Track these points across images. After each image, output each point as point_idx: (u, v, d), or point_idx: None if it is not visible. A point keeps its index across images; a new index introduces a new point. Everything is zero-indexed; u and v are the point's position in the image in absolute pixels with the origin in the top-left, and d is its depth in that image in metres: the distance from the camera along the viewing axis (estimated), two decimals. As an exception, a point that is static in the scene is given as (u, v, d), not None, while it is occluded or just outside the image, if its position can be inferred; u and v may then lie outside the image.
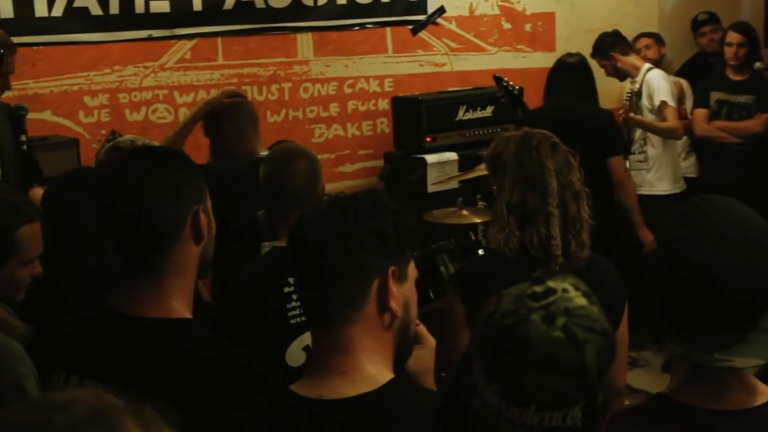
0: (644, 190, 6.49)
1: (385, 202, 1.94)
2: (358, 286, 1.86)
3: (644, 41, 7.26)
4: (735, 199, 1.92)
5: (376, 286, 1.87)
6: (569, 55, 6.22)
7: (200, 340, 2.14)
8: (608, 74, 6.64)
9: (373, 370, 1.85)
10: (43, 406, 1.16)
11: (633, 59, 6.56)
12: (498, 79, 5.60)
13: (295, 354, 2.96)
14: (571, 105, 5.86)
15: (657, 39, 7.32)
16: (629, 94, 6.45)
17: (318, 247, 1.85)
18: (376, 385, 1.83)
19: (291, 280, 2.96)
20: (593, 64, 6.34)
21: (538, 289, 1.50)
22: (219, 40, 6.21)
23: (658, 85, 6.35)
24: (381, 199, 1.94)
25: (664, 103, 6.29)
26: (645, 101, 6.41)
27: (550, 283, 1.51)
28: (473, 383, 1.47)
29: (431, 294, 4.93)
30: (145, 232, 2.14)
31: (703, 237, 1.80)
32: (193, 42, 6.13)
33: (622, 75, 6.61)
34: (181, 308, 2.16)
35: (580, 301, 1.50)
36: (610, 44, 6.50)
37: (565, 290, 1.50)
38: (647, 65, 6.51)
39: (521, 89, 5.60)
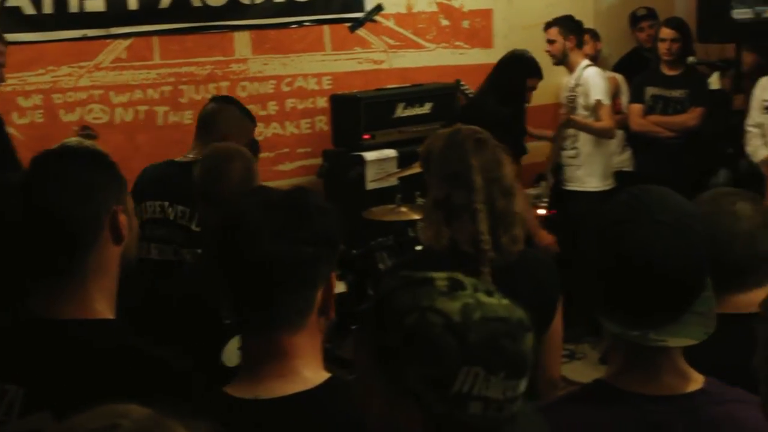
0: (574, 186, 6.56)
1: (323, 202, 1.93)
2: (308, 295, 1.86)
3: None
4: (669, 188, 1.99)
5: (320, 293, 1.88)
6: (519, 50, 6.26)
7: (122, 341, 2.11)
8: (550, 49, 6.61)
9: (310, 373, 1.86)
10: (106, 413, 1.18)
11: (578, 54, 6.61)
12: (457, 83, 5.68)
13: (231, 354, 2.95)
14: (479, 102, 5.94)
15: (593, 34, 7.40)
16: (572, 96, 6.49)
17: (272, 255, 1.81)
18: (312, 385, 1.83)
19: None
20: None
21: (443, 284, 1.49)
22: (155, 39, 6.15)
23: (594, 83, 6.41)
24: (318, 199, 1.93)
25: (599, 102, 6.36)
26: (580, 99, 6.47)
27: (439, 275, 1.53)
28: (462, 394, 1.44)
29: (370, 292, 4.94)
30: (61, 234, 2.10)
31: (639, 222, 1.87)
32: (129, 41, 6.07)
33: (560, 60, 6.63)
34: (103, 309, 2.13)
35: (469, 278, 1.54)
36: (575, 29, 6.58)
37: (453, 274, 1.54)
38: (586, 62, 6.57)
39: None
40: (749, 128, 6.25)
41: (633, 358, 1.92)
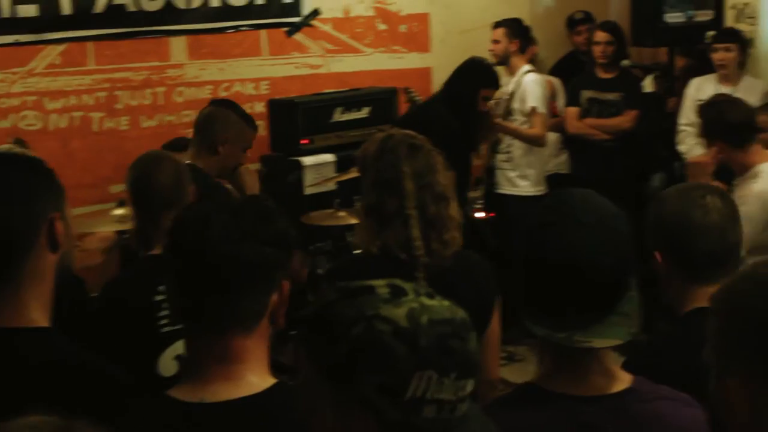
0: (506, 189, 6.62)
1: (276, 209, 1.93)
2: (265, 298, 1.86)
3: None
4: (593, 191, 2.02)
5: (274, 298, 1.87)
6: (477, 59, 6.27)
7: (58, 350, 2.09)
8: (493, 49, 6.65)
9: (256, 378, 1.85)
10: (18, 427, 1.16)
11: (519, 59, 6.65)
12: (406, 91, 5.67)
13: (168, 363, 2.93)
14: (428, 109, 5.93)
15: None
16: (507, 99, 6.53)
17: (236, 254, 1.81)
18: (258, 390, 1.83)
19: (162, 288, 2.93)
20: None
21: (384, 290, 1.47)
22: (89, 44, 6.09)
23: (531, 90, 6.45)
24: (273, 206, 1.94)
25: (533, 110, 6.40)
26: (517, 104, 6.52)
27: (379, 282, 1.51)
28: (418, 399, 1.43)
29: (309, 297, 4.93)
30: None
31: (563, 224, 1.90)
32: (63, 47, 6.00)
33: (501, 61, 6.66)
34: (38, 317, 2.09)
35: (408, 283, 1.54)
36: (522, 33, 6.64)
37: (390, 282, 1.52)
38: (527, 67, 6.61)
39: (395, 90, 5.68)
40: (683, 127, 6.34)
41: (561, 360, 1.94)
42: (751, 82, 6.26)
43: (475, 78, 6.01)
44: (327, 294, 1.52)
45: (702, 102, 6.03)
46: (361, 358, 1.42)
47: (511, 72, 6.62)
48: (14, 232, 2.07)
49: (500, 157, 6.63)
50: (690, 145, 6.29)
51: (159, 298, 2.97)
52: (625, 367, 2.21)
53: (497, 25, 6.67)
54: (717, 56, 6.23)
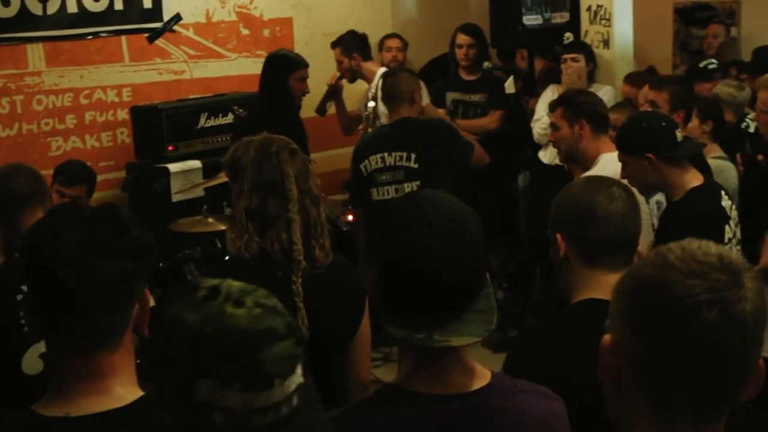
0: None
1: (135, 217, 1.89)
2: (125, 312, 1.82)
3: (393, 42, 7.45)
4: (444, 192, 2.07)
5: (136, 311, 1.84)
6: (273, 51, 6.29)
7: None
8: (339, 69, 6.73)
9: (123, 391, 1.82)
10: None
11: (372, 65, 6.70)
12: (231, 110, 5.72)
13: (31, 362, 2.88)
14: (253, 115, 5.94)
15: (400, 40, 7.53)
16: (366, 114, 6.57)
17: (92, 271, 1.76)
18: (124, 402, 1.80)
19: (24, 288, 2.88)
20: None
21: (203, 292, 1.51)
22: (-58, 52, 5.91)
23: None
24: (130, 215, 1.89)
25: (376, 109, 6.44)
26: (381, 106, 6.56)
27: (207, 284, 1.53)
28: (205, 403, 1.44)
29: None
30: None
31: (413, 225, 1.91)
32: None
33: (354, 77, 6.73)
34: None
35: (238, 282, 1.55)
36: (357, 45, 6.62)
37: (222, 281, 1.54)
38: (382, 69, 6.66)
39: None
40: (536, 119, 6.54)
41: (421, 360, 1.95)
42: (597, 87, 6.47)
43: (277, 67, 6.00)
44: (171, 291, 1.55)
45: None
46: (160, 358, 1.47)
47: (368, 80, 6.67)
48: None
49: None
50: (540, 134, 6.50)
51: (21, 297, 2.92)
52: (507, 369, 2.27)
53: (333, 46, 6.73)
54: (564, 66, 6.43)
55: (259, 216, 2.90)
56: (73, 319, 1.79)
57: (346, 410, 2.01)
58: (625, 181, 3.17)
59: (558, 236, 2.57)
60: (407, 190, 5.22)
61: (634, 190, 2.88)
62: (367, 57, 6.74)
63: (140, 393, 1.84)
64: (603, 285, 2.41)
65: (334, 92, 6.82)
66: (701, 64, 6.86)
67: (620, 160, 3.89)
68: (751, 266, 1.47)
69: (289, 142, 3.04)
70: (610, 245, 2.52)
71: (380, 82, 6.47)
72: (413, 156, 5.28)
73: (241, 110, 6.05)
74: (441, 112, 6.52)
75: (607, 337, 1.47)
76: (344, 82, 6.83)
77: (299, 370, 1.50)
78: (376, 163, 5.35)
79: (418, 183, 5.22)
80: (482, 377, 1.99)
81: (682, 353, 1.39)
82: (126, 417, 1.79)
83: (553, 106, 4.67)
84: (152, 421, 1.77)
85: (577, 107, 4.49)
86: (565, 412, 2.05)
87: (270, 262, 2.86)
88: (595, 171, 4.20)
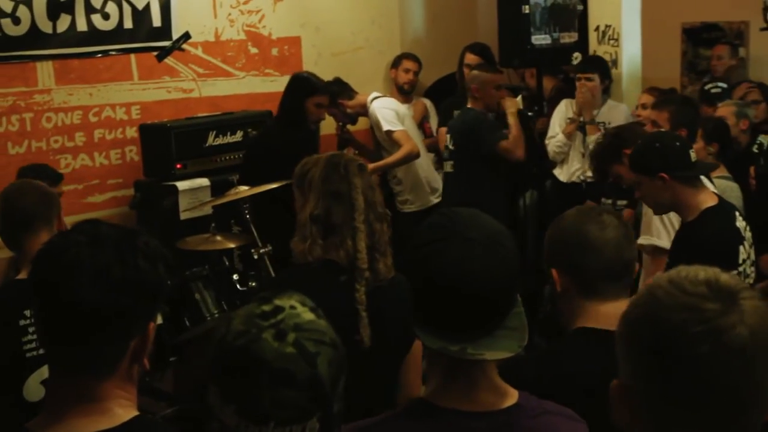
0: (409, 208, 6.73)
1: (155, 246, 1.87)
2: (121, 344, 1.81)
3: (411, 65, 7.48)
4: (477, 210, 2.06)
5: (135, 343, 1.83)
6: (299, 73, 6.28)
7: None
8: (338, 121, 6.73)
9: (118, 410, 1.81)
10: None
11: (359, 99, 6.69)
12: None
13: (33, 388, 2.88)
14: (266, 131, 6.04)
15: (419, 62, 7.55)
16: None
17: (89, 300, 1.74)
18: (117, 423, 1.79)
19: (27, 312, 2.88)
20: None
21: (266, 308, 1.53)
22: (-48, 70, 5.92)
23: (380, 116, 6.49)
24: (151, 244, 1.87)
25: (389, 133, 6.45)
26: (377, 133, 6.58)
27: (278, 302, 1.54)
28: (210, 407, 1.47)
29: (187, 322, 4.88)
30: None
31: (450, 241, 1.92)
32: (-75, 72, 5.82)
33: (353, 119, 6.75)
34: None
35: (308, 315, 1.55)
36: (336, 92, 6.55)
37: (292, 307, 1.54)
38: (371, 96, 6.64)
39: (270, 113, 5.68)
40: (550, 135, 6.55)
41: (450, 375, 1.96)
42: (612, 105, 6.48)
43: (298, 90, 5.99)
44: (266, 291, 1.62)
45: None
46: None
47: (365, 112, 6.70)
48: None
49: (393, 181, 6.78)
50: (556, 151, 6.51)
51: (24, 322, 2.92)
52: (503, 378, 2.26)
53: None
54: (579, 84, 6.43)
55: (323, 222, 2.99)
56: (65, 343, 1.78)
57: (371, 422, 2.00)
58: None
59: (554, 272, 2.55)
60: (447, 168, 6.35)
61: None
62: (351, 95, 6.71)
63: (133, 413, 1.83)
64: (599, 315, 2.43)
65: (346, 141, 6.82)
66: (706, 87, 6.86)
67: (634, 180, 3.88)
68: (748, 286, 1.43)
69: (356, 158, 3.15)
70: (606, 273, 2.48)
71: (370, 107, 6.51)
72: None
73: (254, 133, 6.06)
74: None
75: (615, 382, 1.45)
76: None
77: (312, 425, 1.50)
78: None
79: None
80: (509, 396, 1.99)
81: (687, 391, 1.36)
82: None
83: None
84: None
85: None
86: None
87: (334, 267, 2.93)
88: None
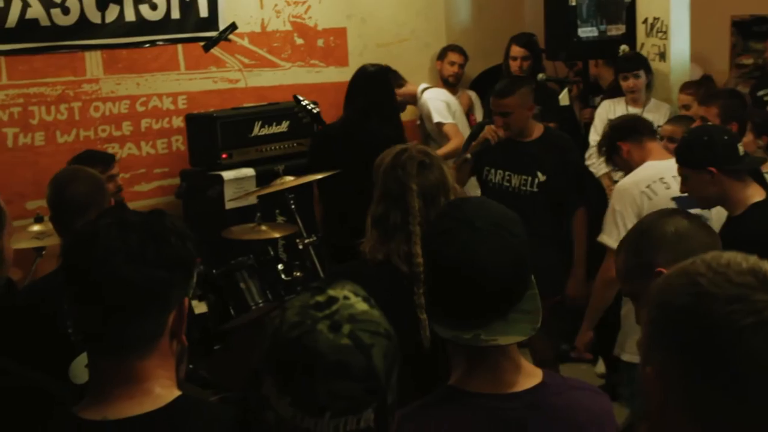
0: None
1: (180, 225, 1.89)
2: (160, 319, 1.82)
3: (458, 57, 7.46)
4: (487, 198, 2.15)
5: (172, 318, 1.85)
6: (372, 65, 6.23)
7: None
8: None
9: (161, 391, 1.83)
10: None
11: (409, 88, 6.67)
12: (296, 100, 5.62)
13: (79, 371, 2.90)
14: (357, 121, 5.65)
15: (465, 54, 7.53)
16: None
17: (124, 277, 1.76)
18: (161, 404, 1.81)
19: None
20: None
21: (320, 298, 1.53)
22: (2, 59, 5.99)
23: (431, 106, 6.48)
24: (176, 223, 1.89)
25: (439, 125, 6.42)
26: (426, 124, 6.56)
27: (331, 292, 1.55)
28: (265, 397, 1.48)
29: (232, 311, 4.90)
30: None
31: (459, 230, 1.97)
32: (-25, 62, 5.89)
33: (402, 107, 6.73)
34: None
35: (362, 306, 1.55)
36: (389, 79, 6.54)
37: (346, 297, 1.55)
38: (421, 87, 6.63)
39: (316, 103, 5.64)
40: (593, 143, 6.48)
41: (473, 360, 2.00)
42: (657, 104, 6.43)
43: (387, 82, 5.86)
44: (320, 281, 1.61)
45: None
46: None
47: (415, 101, 6.69)
48: None
49: None
50: (598, 161, 6.43)
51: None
52: None
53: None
54: (628, 84, 6.37)
55: (383, 225, 2.95)
56: (106, 323, 1.80)
57: (407, 410, 2.01)
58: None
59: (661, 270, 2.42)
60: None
61: None
62: (400, 84, 6.70)
63: (176, 393, 1.84)
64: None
65: None
66: (759, 94, 6.76)
67: (680, 174, 3.84)
68: None
69: (425, 153, 3.04)
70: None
71: (421, 99, 6.48)
72: None
73: (310, 104, 5.90)
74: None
75: (648, 369, 1.41)
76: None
77: (367, 416, 1.50)
78: None
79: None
80: (534, 376, 2.04)
81: (734, 383, 1.32)
82: (162, 418, 1.79)
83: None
84: (188, 420, 1.80)
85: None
86: (612, 408, 2.10)
87: (395, 271, 2.89)
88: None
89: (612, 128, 4.97)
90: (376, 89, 5.69)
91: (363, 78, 5.77)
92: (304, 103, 5.60)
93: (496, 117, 5.13)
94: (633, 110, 6.30)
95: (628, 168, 4.77)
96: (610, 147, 4.86)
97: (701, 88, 6.13)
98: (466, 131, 6.69)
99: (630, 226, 4.05)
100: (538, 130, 5.22)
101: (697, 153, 3.75)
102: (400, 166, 2.98)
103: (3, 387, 2.04)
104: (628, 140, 4.76)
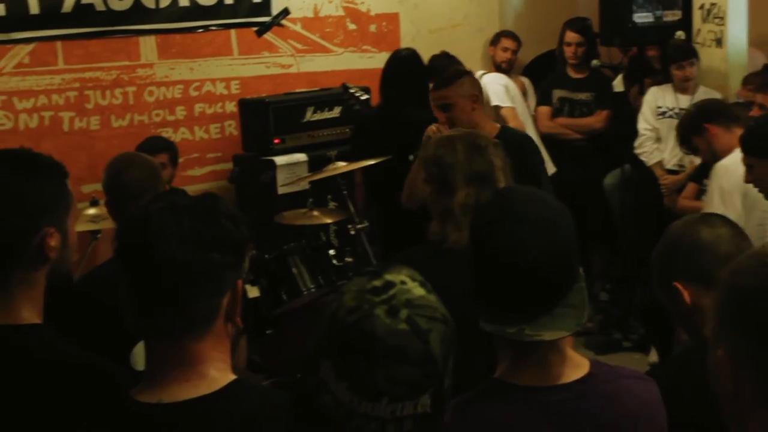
0: None
1: (232, 209, 1.90)
2: (214, 301, 1.83)
3: (510, 43, 7.41)
4: (535, 188, 2.11)
5: (227, 300, 1.85)
6: (405, 49, 6.22)
7: (49, 345, 2.11)
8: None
9: (216, 375, 1.83)
10: None
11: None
12: (345, 87, 5.61)
13: (140, 358, 2.92)
14: (398, 105, 5.67)
15: (518, 40, 7.47)
16: None
17: (178, 260, 1.76)
18: (216, 388, 1.81)
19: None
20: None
21: (377, 283, 1.53)
22: (58, 44, 6.04)
23: (490, 90, 6.45)
24: (228, 206, 1.89)
25: (497, 108, 6.40)
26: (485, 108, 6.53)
27: (388, 277, 1.54)
28: (323, 381, 1.49)
29: (284, 296, 4.92)
30: None
31: (505, 221, 1.94)
32: (32, 46, 5.95)
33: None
34: (30, 315, 2.13)
35: (419, 291, 1.54)
36: (446, 66, 6.50)
37: (403, 282, 1.54)
38: (480, 72, 6.62)
39: (368, 89, 5.64)
40: (643, 131, 6.41)
41: (520, 353, 1.98)
42: (706, 91, 6.33)
43: (420, 65, 5.94)
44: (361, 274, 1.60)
45: (660, 109, 6.14)
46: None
47: None
48: (4, 244, 2.11)
49: None
50: (649, 149, 6.36)
51: None
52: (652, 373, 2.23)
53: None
54: (684, 72, 6.26)
55: (473, 210, 2.93)
56: (160, 305, 1.80)
57: (455, 402, 2.00)
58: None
59: (677, 285, 2.38)
60: None
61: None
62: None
63: (231, 377, 1.85)
64: None
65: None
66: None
67: (745, 163, 3.77)
68: None
69: (489, 137, 3.11)
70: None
71: (481, 81, 6.44)
72: None
73: (357, 91, 5.93)
74: None
75: (720, 352, 1.40)
76: None
77: (424, 401, 1.50)
78: None
79: None
80: (582, 366, 2.02)
81: None
82: (217, 402, 1.80)
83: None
84: (243, 404, 1.80)
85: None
86: (659, 394, 2.07)
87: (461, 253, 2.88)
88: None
89: (699, 108, 4.83)
90: (409, 73, 5.74)
91: (396, 62, 5.80)
92: (352, 91, 5.61)
93: (438, 112, 4.61)
94: (682, 98, 6.23)
95: (708, 153, 4.66)
96: (693, 128, 4.71)
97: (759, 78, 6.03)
98: (526, 117, 6.67)
99: (738, 204, 4.01)
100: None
101: (764, 142, 3.68)
102: (483, 148, 3.01)
103: (65, 362, 2.06)
104: (715, 123, 4.64)
